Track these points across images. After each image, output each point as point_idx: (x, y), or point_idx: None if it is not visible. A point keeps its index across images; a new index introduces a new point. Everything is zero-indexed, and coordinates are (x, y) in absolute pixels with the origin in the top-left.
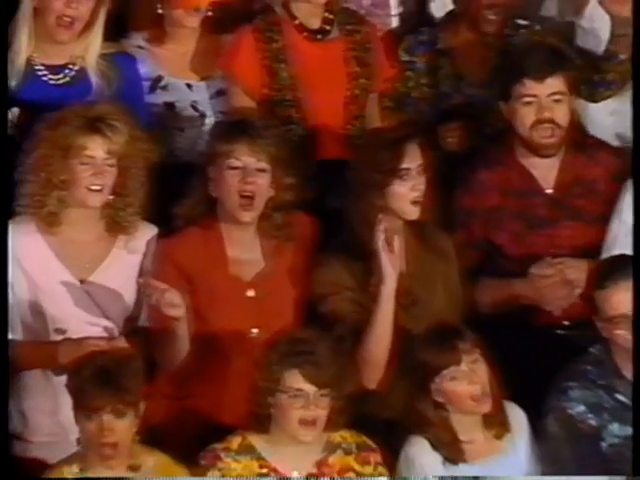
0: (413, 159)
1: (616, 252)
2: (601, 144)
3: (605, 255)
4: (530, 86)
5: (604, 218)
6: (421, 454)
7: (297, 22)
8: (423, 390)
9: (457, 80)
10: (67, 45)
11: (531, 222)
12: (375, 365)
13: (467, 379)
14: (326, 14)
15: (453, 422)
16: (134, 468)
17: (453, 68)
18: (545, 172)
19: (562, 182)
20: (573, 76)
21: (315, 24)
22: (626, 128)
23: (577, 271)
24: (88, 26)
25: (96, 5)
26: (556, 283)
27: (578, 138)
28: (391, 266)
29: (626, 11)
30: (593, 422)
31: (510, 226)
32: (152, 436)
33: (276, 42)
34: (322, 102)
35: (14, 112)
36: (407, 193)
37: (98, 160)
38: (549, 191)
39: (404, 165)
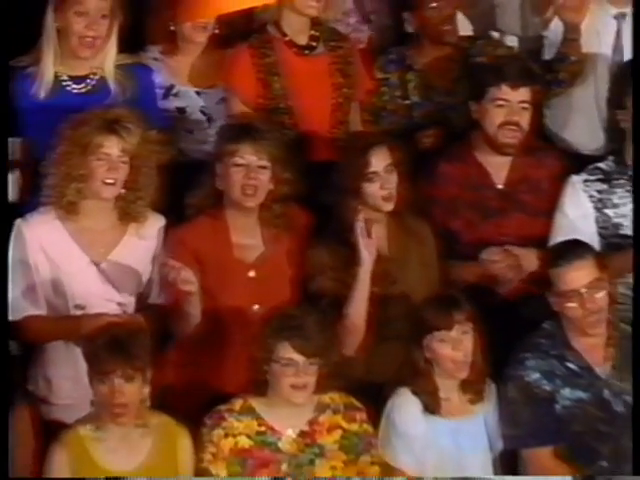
0: (380, 161)
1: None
2: (548, 149)
3: (552, 242)
4: (505, 91)
5: (546, 212)
6: (405, 401)
7: (287, 39)
8: (417, 343)
9: (425, 90)
10: (90, 60)
11: (483, 212)
12: (354, 334)
13: (452, 344)
14: (312, 32)
15: (436, 377)
16: (140, 426)
17: (421, 80)
18: (498, 169)
19: (512, 179)
20: (540, 90)
21: (303, 41)
22: (559, 128)
23: (521, 257)
24: (104, 40)
25: (110, 22)
26: (503, 268)
27: (531, 143)
28: (367, 250)
29: (578, 18)
30: (547, 388)
31: (465, 215)
32: (163, 401)
33: (269, 57)
34: (311, 109)
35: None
36: (377, 191)
37: (113, 157)
38: (500, 186)
39: (371, 169)
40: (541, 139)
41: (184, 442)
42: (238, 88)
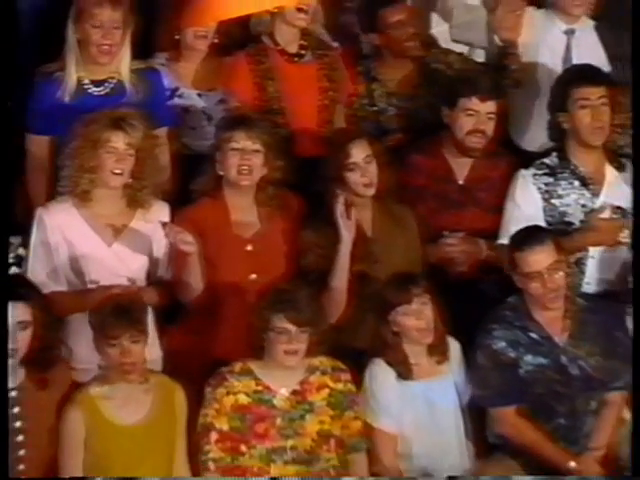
0: (360, 153)
1: (513, 229)
2: (504, 154)
3: (503, 230)
4: (476, 103)
5: (497, 208)
6: (380, 370)
7: (279, 48)
8: (384, 320)
9: (389, 98)
10: (108, 65)
11: (445, 203)
12: (337, 303)
13: (415, 316)
14: (302, 42)
15: (405, 347)
16: (143, 383)
17: (385, 89)
18: (461, 167)
19: (471, 177)
20: (503, 103)
21: (293, 49)
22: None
23: (473, 244)
24: (119, 48)
25: (123, 32)
26: (457, 252)
27: (491, 147)
28: (346, 230)
29: (514, 36)
30: (512, 354)
31: (430, 204)
32: (172, 366)
33: (264, 64)
34: (301, 110)
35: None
36: (358, 179)
37: (120, 150)
38: (461, 182)
39: (351, 160)
40: (501, 143)
41: (180, 396)
42: (237, 91)
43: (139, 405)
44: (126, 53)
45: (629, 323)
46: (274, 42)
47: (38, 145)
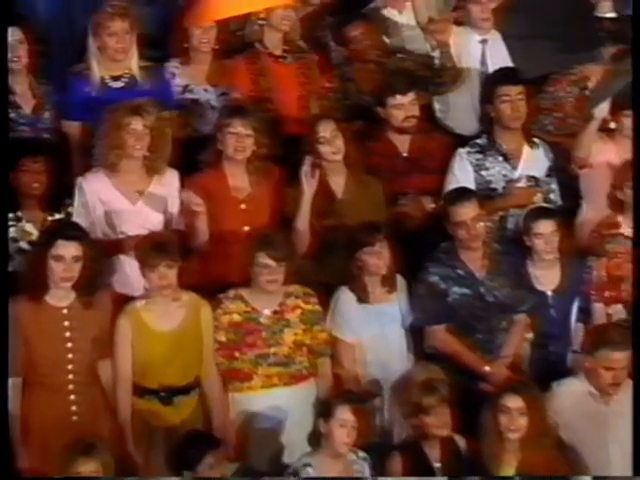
0: (327, 129)
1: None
2: (435, 129)
3: (444, 194)
4: (399, 99)
5: (436, 171)
6: (345, 295)
7: (268, 51)
8: (352, 257)
9: (358, 94)
10: (121, 63)
11: (395, 173)
12: (301, 239)
13: (376, 255)
14: (284, 47)
15: (365, 278)
16: (176, 299)
17: (355, 87)
18: (403, 144)
19: (412, 150)
20: (423, 94)
21: (279, 52)
22: (447, 118)
23: (418, 202)
24: (130, 48)
25: (131, 35)
26: (410, 209)
27: (422, 125)
28: (308, 185)
29: (444, 37)
30: (443, 286)
31: (384, 175)
32: (188, 287)
33: (256, 64)
34: (285, 99)
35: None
36: (327, 149)
37: (138, 131)
38: (405, 154)
39: (320, 135)
40: (432, 123)
41: (206, 311)
42: (237, 85)
43: (173, 316)
44: (134, 53)
45: (530, 267)
46: (264, 47)
47: (72, 129)
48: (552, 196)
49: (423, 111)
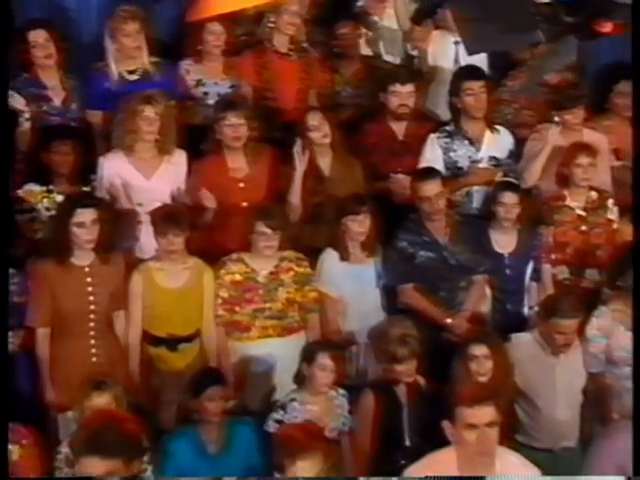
0: (315, 118)
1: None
2: (427, 118)
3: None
4: (398, 87)
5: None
6: (330, 255)
7: (274, 49)
8: (338, 223)
9: (345, 85)
10: (135, 59)
11: (391, 154)
12: (294, 210)
13: (358, 222)
14: (290, 46)
15: (347, 242)
16: (182, 262)
17: (343, 79)
18: (400, 129)
19: (407, 134)
20: (419, 85)
21: (284, 50)
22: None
23: (403, 182)
24: (141, 46)
25: (142, 35)
26: (398, 186)
27: (416, 114)
28: (300, 162)
29: (423, 45)
30: (411, 250)
31: (381, 155)
32: (196, 252)
33: (263, 59)
34: (285, 90)
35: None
36: (316, 135)
37: (150, 117)
38: (401, 138)
39: (309, 123)
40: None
41: (208, 274)
42: (245, 77)
43: (179, 277)
44: (145, 49)
45: (491, 232)
46: (271, 45)
47: (95, 117)
48: (512, 175)
49: (420, 101)
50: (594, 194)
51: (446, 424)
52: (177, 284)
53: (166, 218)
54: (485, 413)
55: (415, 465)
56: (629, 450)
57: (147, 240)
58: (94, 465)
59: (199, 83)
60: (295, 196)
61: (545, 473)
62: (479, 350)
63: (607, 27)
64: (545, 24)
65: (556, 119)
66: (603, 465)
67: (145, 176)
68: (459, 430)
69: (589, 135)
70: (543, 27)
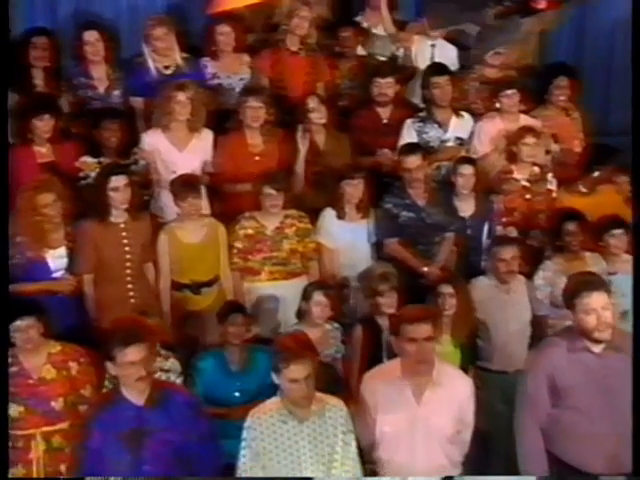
0: (313, 102)
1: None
2: (407, 105)
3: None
4: (379, 80)
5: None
6: (328, 213)
7: (286, 47)
8: (337, 186)
9: (342, 78)
10: (168, 57)
11: (377, 134)
12: (299, 178)
13: (353, 186)
14: (300, 46)
15: (344, 203)
16: (200, 221)
17: (341, 73)
18: (384, 113)
19: (391, 118)
20: (399, 78)
21: (295, 49)
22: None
23: (391, 157)
24: (173, 45)
25: (172, 36)
26: (385, 159)
27: (398, 102)
28: (302, 144)
29: (408, 45)
30: (395, 211)
31: (370, 135)
32: (217, 213)
33: (276, 55)
34: (293, 82)
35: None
36: (315, 115)
37: (182, 101)
38: (385, 121)
39: (310, 106)
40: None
41: (222, 230)
42: (263, 71)
43: (198, 233)
44: (176, 48)
45: (454, 199)
46: (284, 44)
47: (138, 103)
48: (473, 152)
49: (401, 91)
50: (536, 169)
51: (392, 339)
52: (197, 239)
53: (185, 185)
54: (423, 329)
55: (369, 372)
56: (560, 362)
57: (169, 205)
58: (133, 353)
59: (214, 76)
60: (300, 168)
61: (500, 390)
62: (446, 289)
63: (542, 4)
64: (493, 3)
65: (497, 105)
66: (536, 375)
67: (178, 149)
68: (402, 343)
69: (525, 120)
70: (491, 6)
